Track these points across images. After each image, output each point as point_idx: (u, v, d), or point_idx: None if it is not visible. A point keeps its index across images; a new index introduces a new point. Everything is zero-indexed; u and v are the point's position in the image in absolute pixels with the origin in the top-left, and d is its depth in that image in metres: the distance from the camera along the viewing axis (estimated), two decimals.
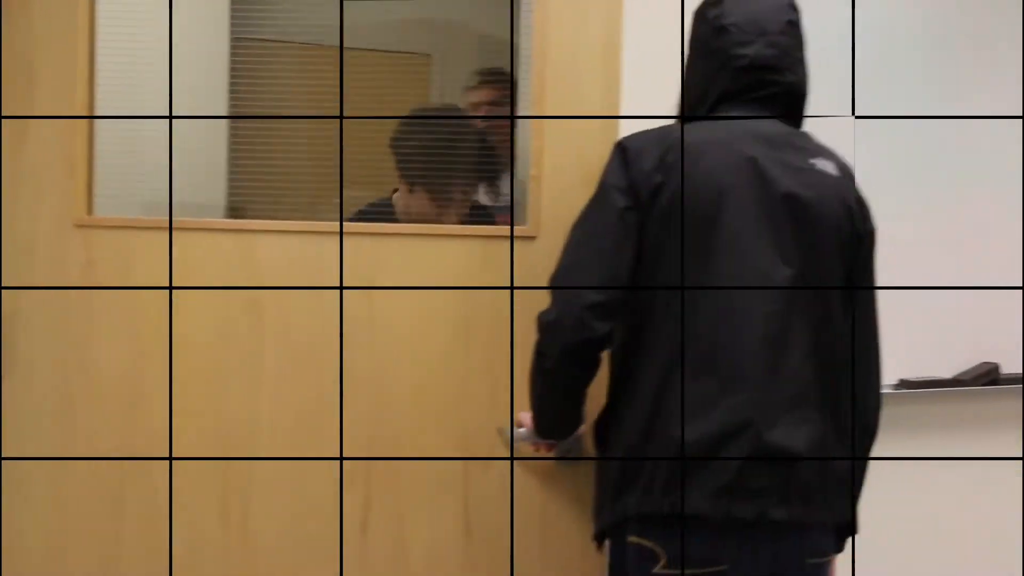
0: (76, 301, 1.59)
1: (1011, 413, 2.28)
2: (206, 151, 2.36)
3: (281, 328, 1.59)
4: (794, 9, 1.51)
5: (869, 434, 1.55)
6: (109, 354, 1.59)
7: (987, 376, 2.19)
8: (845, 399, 1.47)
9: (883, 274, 2.10)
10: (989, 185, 2.24)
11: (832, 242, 1.43)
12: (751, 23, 1.46)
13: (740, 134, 1.43)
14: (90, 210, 1.62)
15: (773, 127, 1.46)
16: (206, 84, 2.35)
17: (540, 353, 1.40)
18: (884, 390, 2.10)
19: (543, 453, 1.58)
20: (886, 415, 2.18)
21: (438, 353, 1.60)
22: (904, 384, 2.16)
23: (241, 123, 2.43)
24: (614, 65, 1.63)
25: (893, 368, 2.14)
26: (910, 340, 2.17)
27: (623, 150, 1.44)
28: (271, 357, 1.59)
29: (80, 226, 1.60)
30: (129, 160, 1.92)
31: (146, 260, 1.60)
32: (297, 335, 1.59)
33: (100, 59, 1.70)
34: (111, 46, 1.76)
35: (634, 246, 1.40)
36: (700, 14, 1.53)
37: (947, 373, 2.20)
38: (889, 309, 2.11)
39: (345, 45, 2.53)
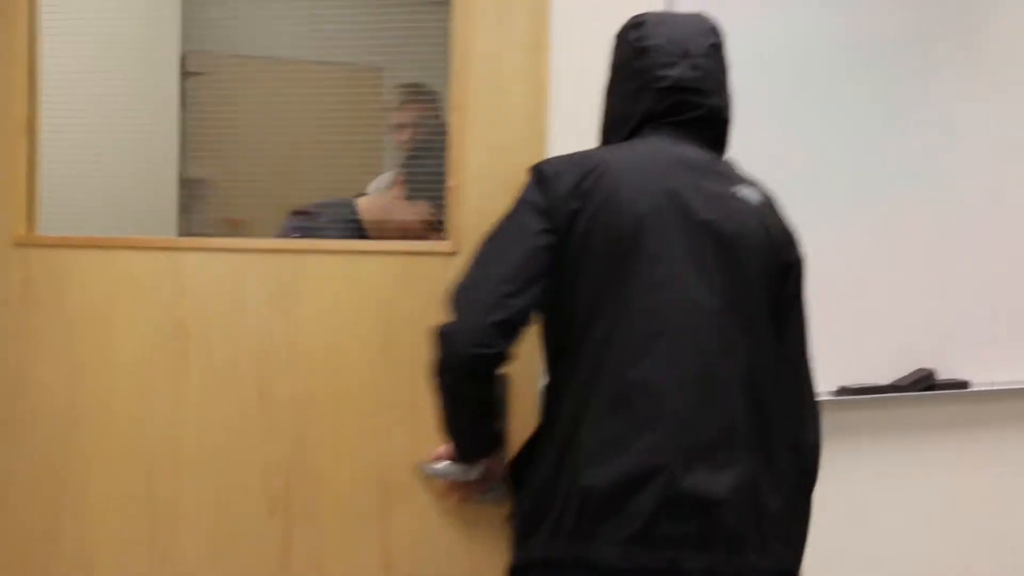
0: (14, 320, 1.58)
1: (947, 417, 2.34)
2: (158, 166, 2.36)
3: (205, 350, 1.56)
4: (717, 34, 1.48)
5: (808, 476, 1.45)
6: (47, 373, 1.58)
7: (923, 382, 2.25)
8: (780, 438, 1.39)
9: (819, 283, 2.16)
10: (922, 192, 2.30)
11: (757, 272, 1.37)
12: (674, 44, 1.43)
13: (661, 159, 1.39)
14: (31, 228, 1.62)
15: (695, 153, 1.42)
16: (156, 98, 2.36)
17: (437, 367, 1.34)
18: (824, 397, 2.17)
19: (458, 491, 1.51)
20: (827, 421, 2.24)
21: (358, 376, 1.55)
22: (843, 391, 2.20)
23: (193, 137, 2.43)
24: (542, 65, 1.55)
25: (832, 375, 2.20)
26: (848, 348, 2.23)
27: (540, 173, 1.40)
28: (195, 378, 1.56)
29: (19, 244, 1.59)
30: (75, 175, 1.92)
31: (81, 277, 1.58)
32: (220, 357, 1.56)
33: (45, 70, 1.69)
34: (54, 57, 1.75)
35: (545, 267, 1.34)
36: (621, 36, 1.50)
37: (885, 379, 2.25)
38: (827, 318, 2.17)
39: (296, 58, 2.55)
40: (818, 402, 1.46)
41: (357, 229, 1.96)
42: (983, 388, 2.31)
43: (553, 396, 1.39)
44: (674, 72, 1.42)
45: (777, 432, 1.38)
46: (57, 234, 1.62)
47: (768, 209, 1.43)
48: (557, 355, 1.39)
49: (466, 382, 1.33)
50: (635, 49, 1.45)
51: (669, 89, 1.42)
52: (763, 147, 2.12)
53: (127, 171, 2.26)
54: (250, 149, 2.52)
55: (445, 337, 1.32)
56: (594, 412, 1.31)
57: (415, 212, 1.89)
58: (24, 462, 1.58)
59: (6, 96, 1.60)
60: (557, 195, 1.36)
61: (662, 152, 1.40)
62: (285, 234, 1.92)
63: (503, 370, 1.36)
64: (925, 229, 2.30)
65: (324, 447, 1.56)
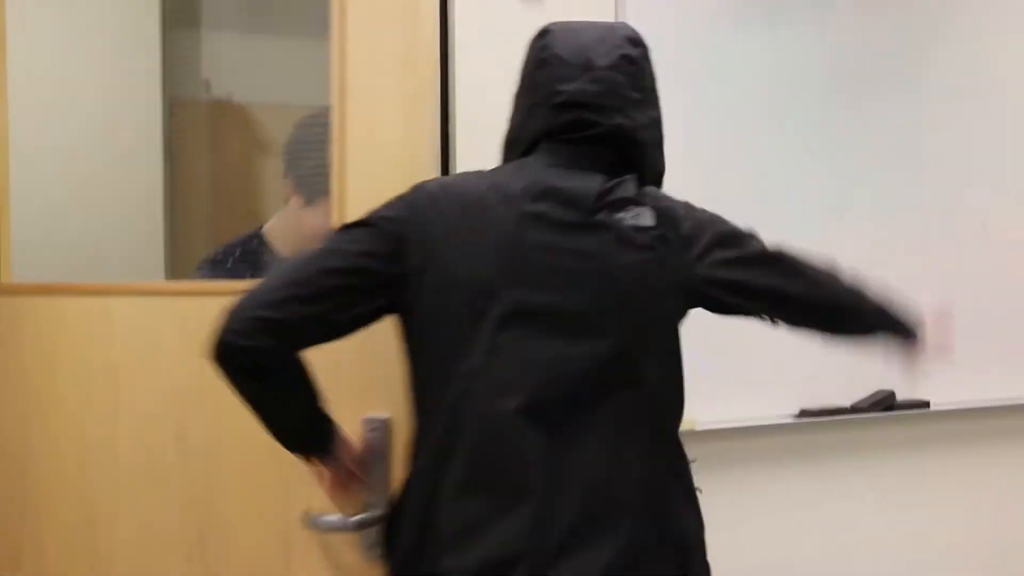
0: None
1: (907, 437, 2.39)
2: (143, 214, 2.42)
3: (132, 394, 1.56)
4: (634, 44, 1.34)
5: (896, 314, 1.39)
6: (5, 419, 1.61)
7: (884, 403, 2.30)
8: (675, 494, 1.28)
9: None
10: (880, 214, 2.35)
11: (638, 304, 1.26)
12: (576, 56, 1.30)
13: (532, 187, 1.26)
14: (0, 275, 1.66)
15: (580, 182, 1.27)
16: (139, 145, 2.43)
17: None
18: (785, 420, 2.22)
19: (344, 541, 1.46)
20: (789, 443, 2.30)
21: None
22: (804, 413, 2.26)
23: (179, 186, 2.50)
24: (424, 92, 1.47)
25: (793, 398, 2.26)
26: (809, 370, 2.27)
27: (415, 193, 1.29)
28: (124, 422, 1.57)
29: None
30: (49, 225, 1.99)
31: (34, 323, 1.60)
32: (144, 400, 1.57)
33: (11, 119, 1.73)
34: (23, 104, 1.80)
35: (355, 288, 1.24)
36: (528, 47, 1.38)
37: (846, 401, 2.30)
38: (787, 341, 2.22)
39: (283, 102, 2.61)
40: (859, 292, 1.38)
41: (270, 257, 1.83)
42: (943, 408, 2.36)
43: (412, 453, 1.30)
44: (571, 87, 1.29)
45: (673, 488, 1.28)
46: (48, 280, 1.64)
47: (659, 230, 1.28)
48: (416, 407, 1.31)
49: (227, 368, 1.24)
50: (536, 61, 1.34)
51: (564, 105, 1.29)
52: (721, 170, 2.19)
53: (116, 216, 2.33)
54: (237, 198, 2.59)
55: (222, 313, 1.24)
56: (451, 488, 1.20)
57: (318, 216, 1.70)
58: None
59: None
60: (417, 224, 1.25)
61: (535, 176, 1.27)
62: None
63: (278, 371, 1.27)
64: (883, 252, 2.35)
65: (232, 493, 1.54)
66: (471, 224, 1.24)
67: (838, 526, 2.34)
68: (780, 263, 1.34)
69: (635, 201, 1.28)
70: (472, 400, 1.21)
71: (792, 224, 2.23)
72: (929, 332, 1.47)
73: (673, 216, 1.30)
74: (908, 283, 2.33)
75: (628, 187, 1.30)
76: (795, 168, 2.28)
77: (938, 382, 2.36)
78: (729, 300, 1.33)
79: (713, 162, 2.19)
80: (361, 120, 1.48)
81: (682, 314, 1.34)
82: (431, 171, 1.51)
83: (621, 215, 1.27)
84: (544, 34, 1.36)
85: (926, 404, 2.34)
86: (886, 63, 2.35)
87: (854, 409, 2.29)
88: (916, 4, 2.38)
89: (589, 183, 1.28)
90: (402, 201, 1.29)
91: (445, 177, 1.35)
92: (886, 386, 2.33)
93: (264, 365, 1.25)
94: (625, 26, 1.38)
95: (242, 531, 1.54)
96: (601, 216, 1.26)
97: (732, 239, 1.32)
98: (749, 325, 2.16)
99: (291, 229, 1.79)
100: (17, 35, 1.81)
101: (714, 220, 1.34)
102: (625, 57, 1.32)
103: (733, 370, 2.15)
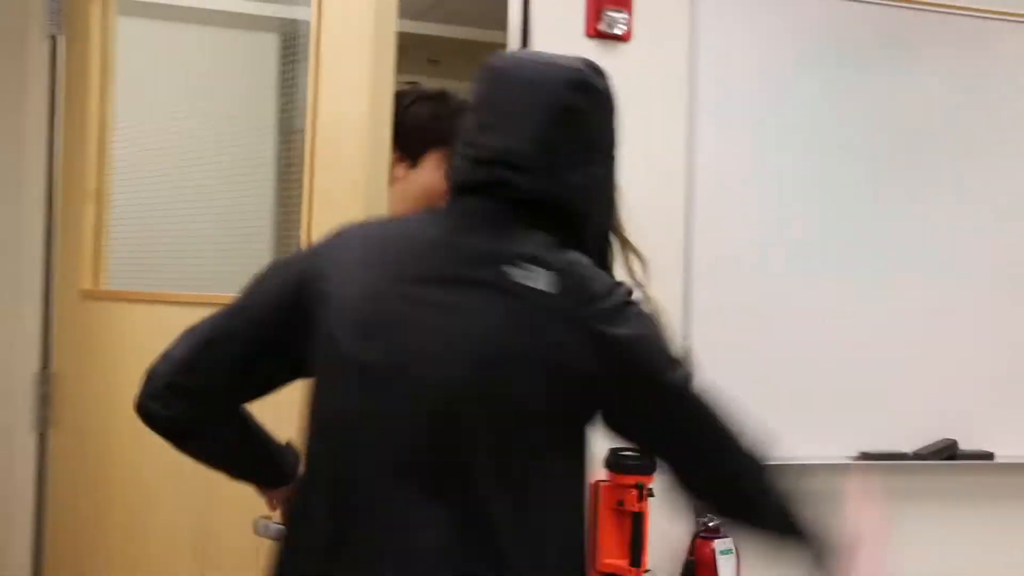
0: (74, 363, 1.83)
1: (969, 488, 2.42)
2: (256, 234, 2.62)
3: None
4: (579, 88, 1.10)
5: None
6: (89, 415, 1.79)
7: (946, 451, 2.34)
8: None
9: (846, 350, 2.28)
10: (951, 265, 2.41)
11: (529, 390, 1.03)
12: (508, 102, 1.10)
13: (424, 240, 1.11)
14: (96, 283, 1.85)
15: (481, 233, 1.09)
16: (253, 170, 2.64)
17: None
18: (843, 460, 2.28)
19: None
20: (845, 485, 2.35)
21: None
22: (864, 456, 2.31)
23: (289, 207, 2.70)
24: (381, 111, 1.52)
25: (852, 441, 2.32)
26: (870, 415, 2.33)
27: (329, 237, 1.17)
28: None
29: (85, 297, 1.82)
30: (146, 238, 2.22)
31: (110, 327, 1.77)
32: None
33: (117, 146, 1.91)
34: (127, 133, 1.99)
35: (269, 349, 1.14)
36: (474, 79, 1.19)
37: (906, 447, 2.35)
38: (849, 384, 2.29)
39: None
40: (770, 491, 1.12)
41: None
42: (1007, 460, 2.38)
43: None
44: (492, 141, 1.09)
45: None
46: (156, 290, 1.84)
47: (567, 298, 1.04)
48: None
49: (154, 431, 1.18)
50: (470, 101, 1.17)
51: (481, 162, 1.10)
52: (782, 225, 2.30)
53: (230, 234, 2.53)
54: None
55: (147, 370, 1.17)
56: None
57: (427, 175, 1.65)
58: (81, 486, 1.84)
59: (80, 170, 1.84)
60: (317, 269, 1.13)
61: (432, 236, 1.10)
62: None
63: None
64: (953, 302, 2.40)
65: (223, 498, 1.59)
66: (358, 277, 1.10)
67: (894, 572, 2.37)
68: (693, 432, 1.08)
69: (534, 259, 1.05)
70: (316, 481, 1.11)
71: (858, 265, 2.33)
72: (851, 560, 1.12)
73: (588, 289, 1.06)
74: (977, 335, 2.39)
75: (529, 243, 1.07)
76: (870, 206, 2.36)
77: (1003, 435, 2.40)
78: (623, 435, 1.11)
79: (789, 202, 2.31)
80: (327, 140, 1.58)
81: (576, 401, 1.06)
82: (382, 185, 1.55)
83: (510, 270, 1.05)
84: (481, 69, 1.16)
85: (990, 456, 2.37)
86: (965, 112, 2.42)
87: (916, 456, 2.34)
88: (990, 55, 2.44)
89: (489, 238, 1.09)
90: (315, 244, 1.20)
91: (368, 224, 1.24)
92: (949, 435, 2.37)
93: (188, 430, 1.19)
94: (573, 67, 1.13)
95: (227, 532, 1.66)
96: (484, 272, 1.06)
97: (654, 381, 1.06)
98: (810, 366, 2.29)
99: (409, 197, 1.69)
100: (132, 64, 2.01)
101: (641, 341, 1.06)
102: (564, 108, 1.10)
103: (792, 407, 2.22)
